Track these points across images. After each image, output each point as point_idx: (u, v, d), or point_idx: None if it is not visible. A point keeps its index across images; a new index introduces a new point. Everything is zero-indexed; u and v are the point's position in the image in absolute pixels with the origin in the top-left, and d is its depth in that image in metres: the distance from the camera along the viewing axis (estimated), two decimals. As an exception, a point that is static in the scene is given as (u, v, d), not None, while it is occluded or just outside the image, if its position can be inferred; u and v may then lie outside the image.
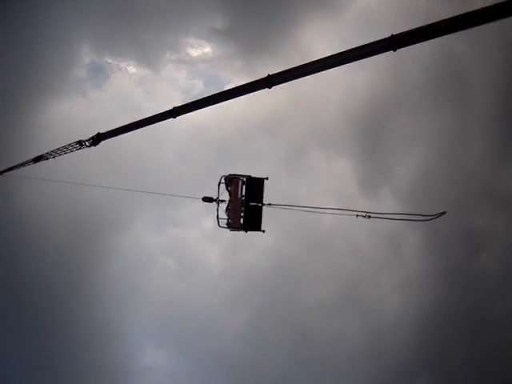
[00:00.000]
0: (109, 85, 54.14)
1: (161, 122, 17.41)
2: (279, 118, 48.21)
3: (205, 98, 15.47)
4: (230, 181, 17.66)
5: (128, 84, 54.58)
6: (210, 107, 15.64)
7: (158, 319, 49.79)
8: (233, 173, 17.80)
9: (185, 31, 52.26)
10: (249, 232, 17.73)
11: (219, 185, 17.82)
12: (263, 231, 17.47)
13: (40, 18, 43.92)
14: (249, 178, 17.32)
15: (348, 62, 11.34)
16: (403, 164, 44.54)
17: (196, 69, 56.32)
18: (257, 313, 47.35)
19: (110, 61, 54.01)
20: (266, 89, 12.99)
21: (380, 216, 14.53)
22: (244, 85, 13.68)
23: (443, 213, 12.97)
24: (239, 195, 17.37)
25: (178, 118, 16.38)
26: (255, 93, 13.61)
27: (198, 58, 54.09)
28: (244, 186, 17.36)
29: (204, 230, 53.43)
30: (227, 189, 17.79)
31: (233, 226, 17.66)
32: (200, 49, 53.35)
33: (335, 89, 46.87)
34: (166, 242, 53.55)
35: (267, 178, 17.20)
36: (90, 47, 52.26)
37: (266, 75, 12.78)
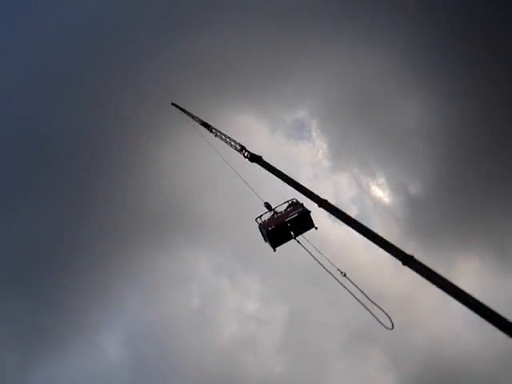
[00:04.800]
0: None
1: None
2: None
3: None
4: (295, 204, 19.58)
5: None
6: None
7: None
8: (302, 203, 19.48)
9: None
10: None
11: (286, 202, 19.93)
12: (275, 250, 19.12)
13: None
14: (306, 212, 18.91)
15: None
16: None
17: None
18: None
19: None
20: None
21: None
22: None
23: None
24: (290, 214, 19.09)
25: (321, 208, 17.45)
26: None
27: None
28: (297, 214, 18.98)
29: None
30: (288, 207, 19.70)
31: (264, 226, 19.36)
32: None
33: None
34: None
35: (316, 228, 19.00)
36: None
37: None
